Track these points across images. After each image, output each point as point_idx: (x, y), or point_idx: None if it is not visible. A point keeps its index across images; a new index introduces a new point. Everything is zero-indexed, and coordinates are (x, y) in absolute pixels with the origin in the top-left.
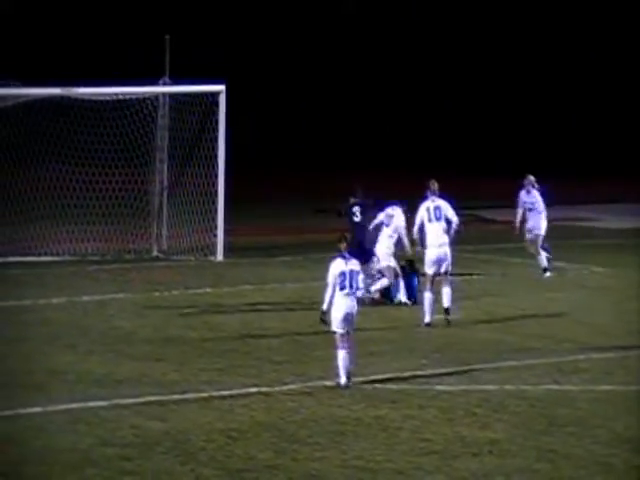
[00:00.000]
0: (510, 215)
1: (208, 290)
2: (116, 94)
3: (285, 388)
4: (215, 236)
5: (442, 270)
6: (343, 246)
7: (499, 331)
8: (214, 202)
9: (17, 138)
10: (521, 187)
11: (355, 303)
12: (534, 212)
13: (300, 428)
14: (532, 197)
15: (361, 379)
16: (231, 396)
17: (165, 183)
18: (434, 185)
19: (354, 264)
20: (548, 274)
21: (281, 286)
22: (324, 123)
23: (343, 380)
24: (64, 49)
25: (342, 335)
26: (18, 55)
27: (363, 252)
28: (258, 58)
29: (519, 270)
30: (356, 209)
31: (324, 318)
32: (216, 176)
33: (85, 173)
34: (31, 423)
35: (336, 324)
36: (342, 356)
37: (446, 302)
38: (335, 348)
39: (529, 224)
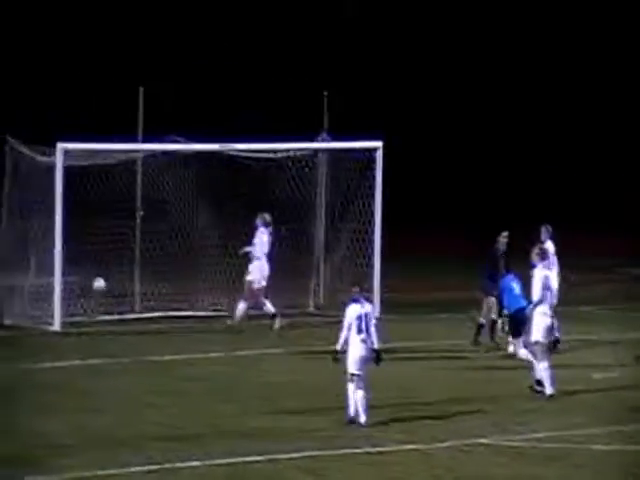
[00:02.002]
0: None
1: None
2: (274, 150)
3: (441, 445)
4: (370, 292)
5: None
6: (356, 290)
7: None
8: (370, 258)
9: (180, 192)
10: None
11: (369, 347)
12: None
13: None
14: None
15: (517, 437)
16: (387, 452)
17: (322, 239)
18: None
19: (368, 307)
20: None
21: (435, 343)
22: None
23: (351, 414)
24: (224, 105)
25: (354, 375)
26: (179, 111)
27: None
28: (415, 113)
29: None
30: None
31: (337, 357)
32: (373, 232)
33: (242, 228)
34: (189, 478)
35: (352, 366)
36: (352, 391)
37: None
38: (347, 384)
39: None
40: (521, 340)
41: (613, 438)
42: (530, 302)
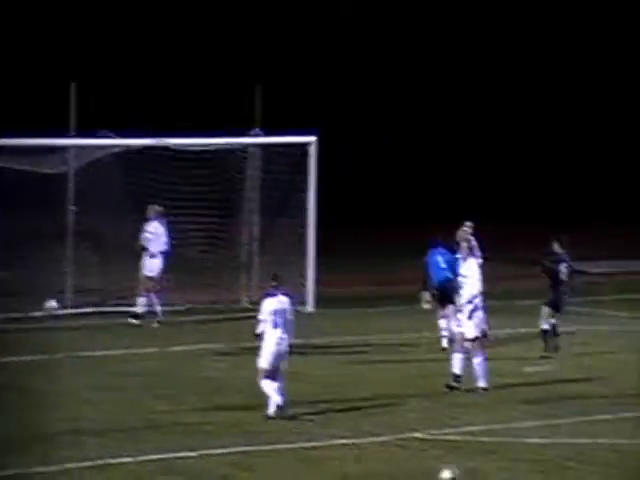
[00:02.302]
0: (603, 267)
1: (299, 341)
2: (207, 145)
3: (376, 440)
4: (304, 286)
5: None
6: (273, 285)
7: (592, 384)
8: (304, 253)
9: (110, 188)
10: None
11: (285, 341)
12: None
13: None
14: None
15: (452, 430)
16: (321, 447)
17: (255, 234)
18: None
19: (285, 301)
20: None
21: (371, 337)
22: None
23: (271, 411)
24: (157, 100)
25: (268, 371)
26: (111, 106)
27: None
28: (351, 105)
29: (613, 322)
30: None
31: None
32: (307, 226)
33: (175, 223)
34: (121, 473)
35: (266, 361)
36: (269, 386)
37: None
38: (261, 379)
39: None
40: (450, 309)
41: (547, 431)
42: (455, 275)
